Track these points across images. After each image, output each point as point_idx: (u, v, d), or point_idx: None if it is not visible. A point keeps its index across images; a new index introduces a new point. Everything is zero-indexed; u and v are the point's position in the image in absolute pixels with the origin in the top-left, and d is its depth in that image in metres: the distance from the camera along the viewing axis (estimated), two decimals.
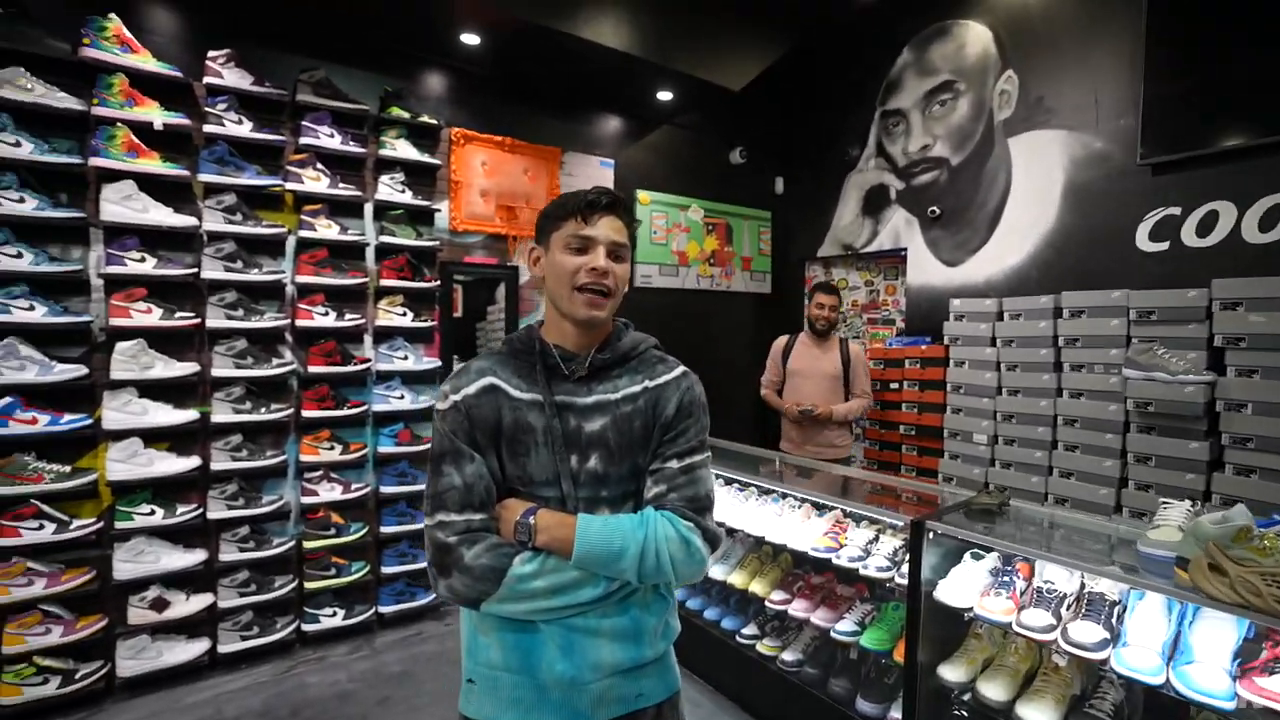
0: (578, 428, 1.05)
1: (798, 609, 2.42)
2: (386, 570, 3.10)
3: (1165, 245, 2.99)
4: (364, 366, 2.99)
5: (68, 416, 2.41)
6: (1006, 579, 1.89)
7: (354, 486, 2.98)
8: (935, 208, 3.94)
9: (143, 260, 2.53)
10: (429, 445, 3.06)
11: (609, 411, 1.06)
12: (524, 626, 1.02)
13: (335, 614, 2.93)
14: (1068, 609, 1.76)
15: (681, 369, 1.14)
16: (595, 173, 4.00)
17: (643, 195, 4.25)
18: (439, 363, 3.21)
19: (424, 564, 3.15)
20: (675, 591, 1.14)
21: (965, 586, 1.88)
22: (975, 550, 1.97)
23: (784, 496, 2.66)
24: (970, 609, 1.82)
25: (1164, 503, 1.82)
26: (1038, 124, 3.46)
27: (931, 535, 1.92)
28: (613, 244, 1.07)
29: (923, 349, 3.73)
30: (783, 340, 3.48)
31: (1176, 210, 2.95)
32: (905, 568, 2.03)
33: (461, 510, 1.00)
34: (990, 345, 3.40)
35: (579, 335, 1.10)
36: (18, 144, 2.30)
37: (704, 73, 3.60)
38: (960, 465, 3.46)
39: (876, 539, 2.32)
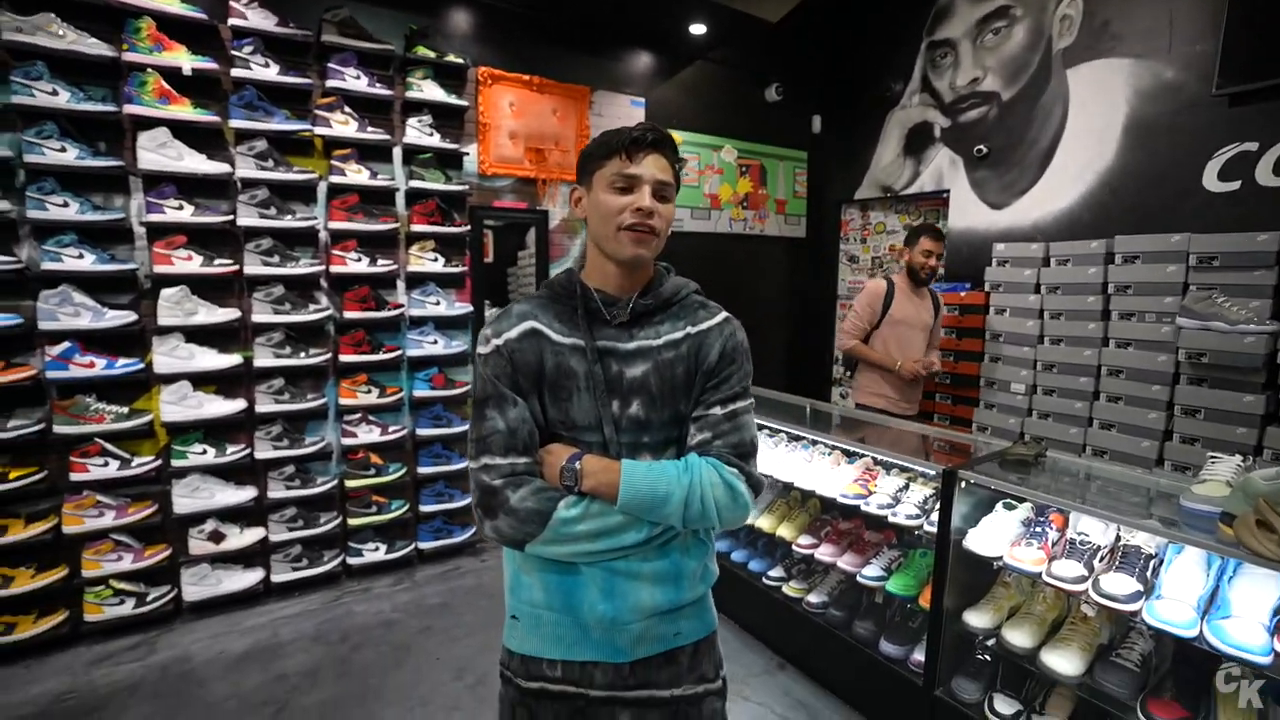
0: (619, 373, 1.03)
1: (825, 553, 2.44)
2: (424, 508, 3.16)
3: (1236, 185, 2.80)
4: (398, 312, 3.00)
5: (122, 360, 2.49)
6: (1039, 530, 1.87)
7: (391, 429, 3.02)
8: (982, 146, 3.77)
9: (181, 208, 2.55)
10: (465, 389, 3.20)
11: (651, 357, 1.04)
12: (566, 568, 1.02)
13: (378, 549, 3.02)
14: (1100, 561, 1.74)
15: (724, 314, 1.12)
16: (625, 112, 3.89)
17: (674, 136, 3.98)
18: (471, 308, 3.21)
19: (461, 503, 3.21)
20: (714, 536, 1.14)
21: (995, 536, 1.87)
22: (1008, 500, 1.96)
23: (813, 443, 2.66)
24: (1000, 558, 1.82)
25: (1212, 457, 1.76)
26: (1102, 52, 3.24)
27: (964, 484, 1.91)
28: (658, 183, 1.03)
29: (962, 295, 3.62)
30: (880, 286, 3.05)
31: (1253, 146, 2.75)
32: (935, 516, 2.03)
33: (506, 454, 1.00)
34: (1034, 292, 3.30)
35: (621, 279, 1.08)
36: (54, 92, 2.30)
37: (739, 3, 3.44)
38: (996, 415, 3.42)
39: (906, 487, 2.32)
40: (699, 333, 1.07)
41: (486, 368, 1.04)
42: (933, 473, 2.18)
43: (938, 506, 2.00)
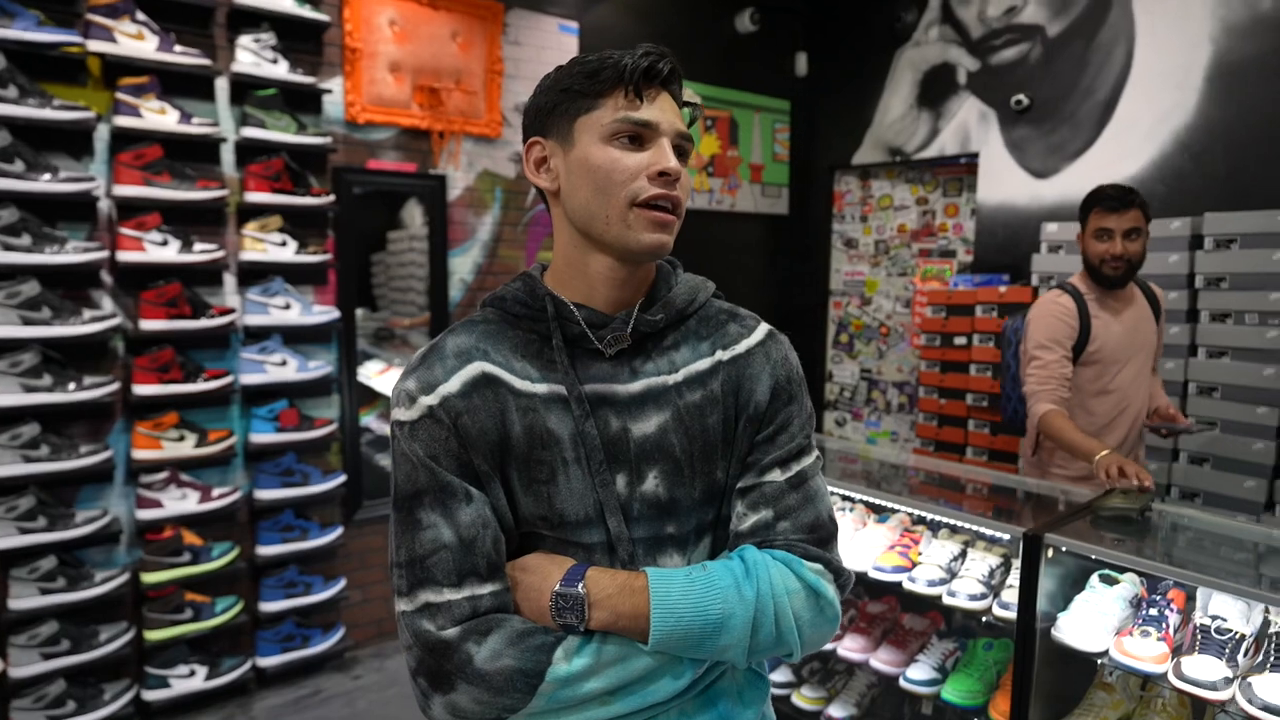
0: (623, 431, 0.95)
1: (850, 648, 2.36)
2: (267, 607, 3.01)
3: None
4: (225, 320, 2.82)
5: None
6: (1154, 612, 1.78)
7: (216, 492, 2.83)
8: (1022, 96, 3.75)
9: None
10: (326, 429, 2.89)
11: (668, 402, 0.97)
12: None
13: (193, 673, 2.80)
14: (1244, 655, 1.66)
15: (765, 328, 1.05)
16: (551, 39, 3.76)
17: None
18: (337, 313, 3.09)
19: (320, 595, 3.08)
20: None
21: (1094, 622, 1.79)
22: (1105, 572, 1.88)
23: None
24: (1104, 653, 1.73)
25: None
26: None
27: (1051, 553, 1.85)
28: (679, 134, 0.95)
29: (1000, 291, 3.59)
30: (1066, 305, 2.39)
31: None
32: (1007, 595, 1.98)
33: (460, 582, 0.89)
34: None
35: (616, 285, 0.97)
36: None
37: None
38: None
39: (963, 555, 2.23)
40: (736, 358, 1.00)
41: (415, 444, 0.92)
42: (1005, 536, 2.13)
43: (1011, 582, 1.97)
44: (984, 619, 2.04)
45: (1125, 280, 2.35)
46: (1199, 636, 1.66)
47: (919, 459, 2.91)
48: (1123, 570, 1.84)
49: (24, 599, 2.46)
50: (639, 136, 0.93)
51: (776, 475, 0.97)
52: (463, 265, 3.51)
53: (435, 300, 3.45)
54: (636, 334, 0.98)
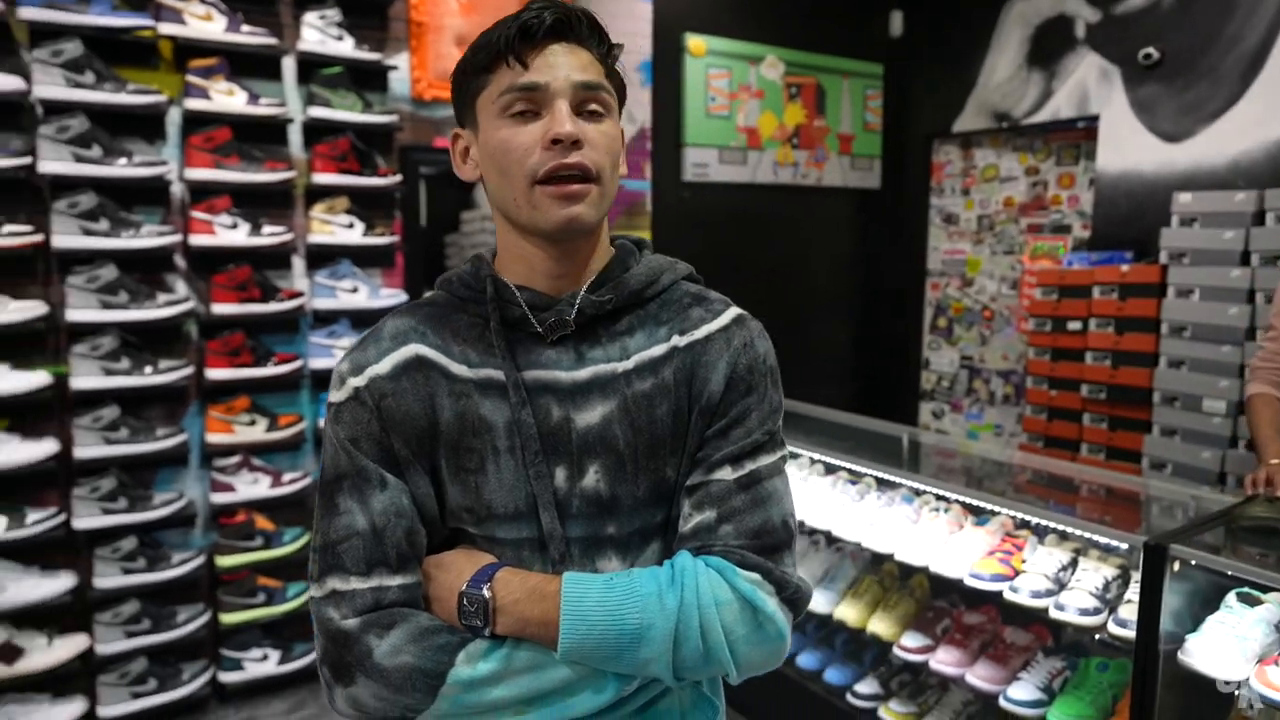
0: (564, 421, 0.93)
1: (943, 661, 2.29)
2: None
3: None
4: (294, 304, 2.87)
5: None
6: None
7: (287, 477, 2.89)
8: (1152, 50, 3.52)
9: None
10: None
11: (615, 391, 0.94)
12: None
13: (266, 657, 2.87)
14: None
15: (733, 312, 1.00)
16: (624, 8, 3.70)
17: (694, 43, 4.00)
18: (404, 296, 3.12)
19: None
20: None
21: (1230, 646, 1.67)
22: (1244, 590, 1.76)
23: (918, 494, 2.56)
24: (1243, 682, 1.62)
25: None
26: None
27: (1177, 566, 1.74)
28: (579, 86, 0.89)
29: (1123, 270, 3.40)
30: None
31: None
32: (1125, 611, 1.90)
33: (369, 572, 0.89)
34: (1240, 265, 3.07)
35: (554, 266, 0.96)
36: None
37: None
38: (1178, 445, 3.22)
39: (1074, 564, 2.16)
40: (693, 344, 0.97)
41: (339, 426, 0.93)
42: (1123, 546, 2.03)
43: (1130, 597, 1.90)
44: (1097, 636, 1.97)
45: None
46: None
47: (1025, 456, 2.78)
48: (1267, 590, 1.70)
49: (108, 578, 2.58)
50: (531, 105, 0.89)
51: (726, 474, 0.93)
52: None
53: None
54: (583, 317, 0.95)
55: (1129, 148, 3.63)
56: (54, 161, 2.43)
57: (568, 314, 0.95)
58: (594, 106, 0.91)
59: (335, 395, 0.95)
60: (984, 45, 4.19)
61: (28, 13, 2.37)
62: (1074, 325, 3.55)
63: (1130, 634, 1.82)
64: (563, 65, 0.89)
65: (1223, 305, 3.09)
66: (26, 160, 2.39)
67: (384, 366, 0.94)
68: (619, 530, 0.95)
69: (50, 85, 2.42)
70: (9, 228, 2.37)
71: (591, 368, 0.95)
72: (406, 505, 0.92)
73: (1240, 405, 3.01)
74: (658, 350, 0.96)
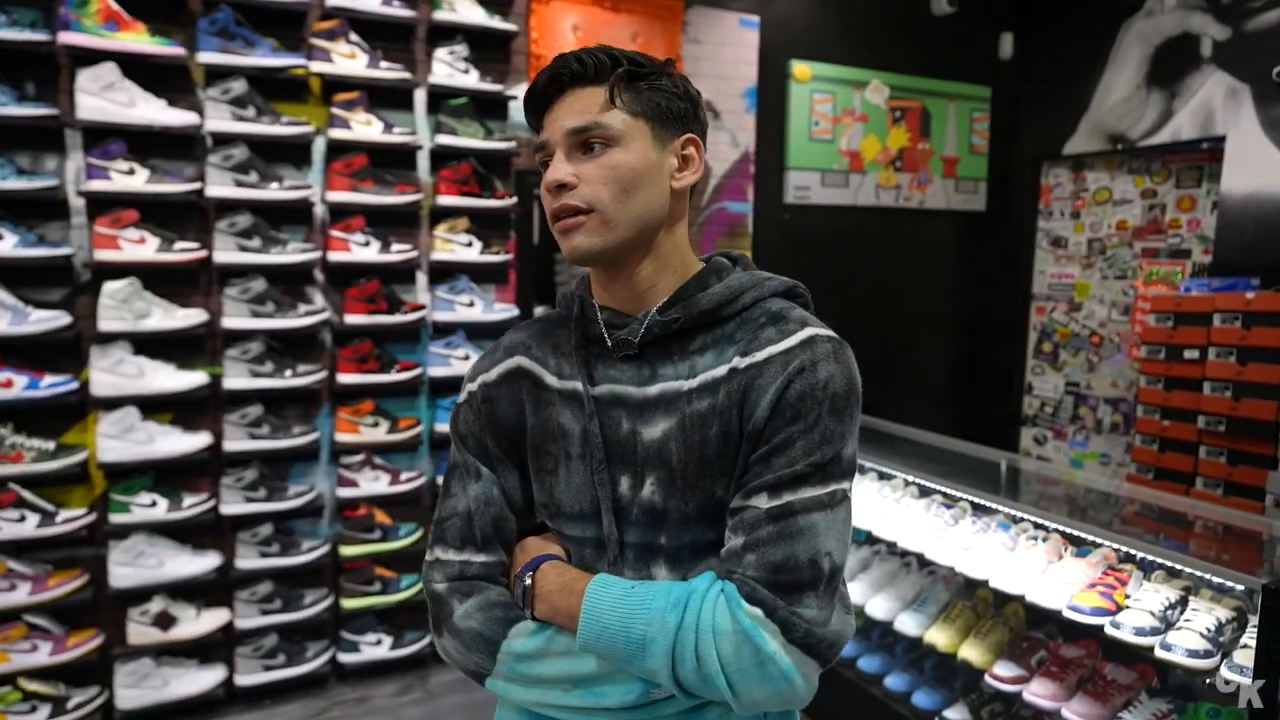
0: (632, 433, 0.96)
1: (1038, 693, 2.22)
2: None
3: None
4: (417, 316, 2.98)
5: (49, 379, 2.45)
6: None
7: (404, 476, 2.98)
8: None
9: (131, 172, 2.52)
10: None
11: (677, 408, 0.94)
12: None
13: (380, 642, 2.97)
14: None
15: (805, 334, 0.94)
16: (732, 36, 3.73)
17: (799, 69, 3.98)
18: (516, 311, 3.20)
19: None
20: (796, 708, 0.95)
21: None
22: None
23: (1015, 521, 2.49)
24: None
25: None
26: None
27: None
28: (569, 132, 0.93)
29: (1247, 298, 3.23)
30: None
31: None
32: (1240, 656, 1.80)
33: (461, 547, 1.01)
34: None
35: (614, 286, 1.00)
36: None
37: None
38: None
39: (1183, 603, 2.05)
40: (751, 366, 0.93)
41: (456, 423, 1.06)
42: (1238, 587, 1.94)
43: (1246, 641, 1.82)
44: (1209, 681, 1.85)
45: None
46: None
47: (1133, 488, 2.63)
48: None
49: (247, 560, 2.75)
50: (548, 156, 0.96)
51: (760, 501, 0.89)
52: None
53: None
54: (651, 335, 0.97)
55: (1258, 169, 3.42)
56: (218, 186, 2.62)
57: (635, 332, 0.97)
58: (591, 142, 0.93)
59: (459, 397, 1.07)
60: (1100, 66, 4.04)
61: (205, 56, 2.58)
62: (1190, 354, 3.36)
63: (1246, 680, 1.71)
64: (561, 117, 0.94)
65: None
66: (197, 185, 2.59)
67: (493, 375, 1.04)
68: (669, 541, 0.96)
69: (219, 119, 2.62)
70: (180, 244, 2.59)
71: (660, 384, 0.96)
72: (495, 495, 1.02)
73: None
74: (720, 371, 0.94)
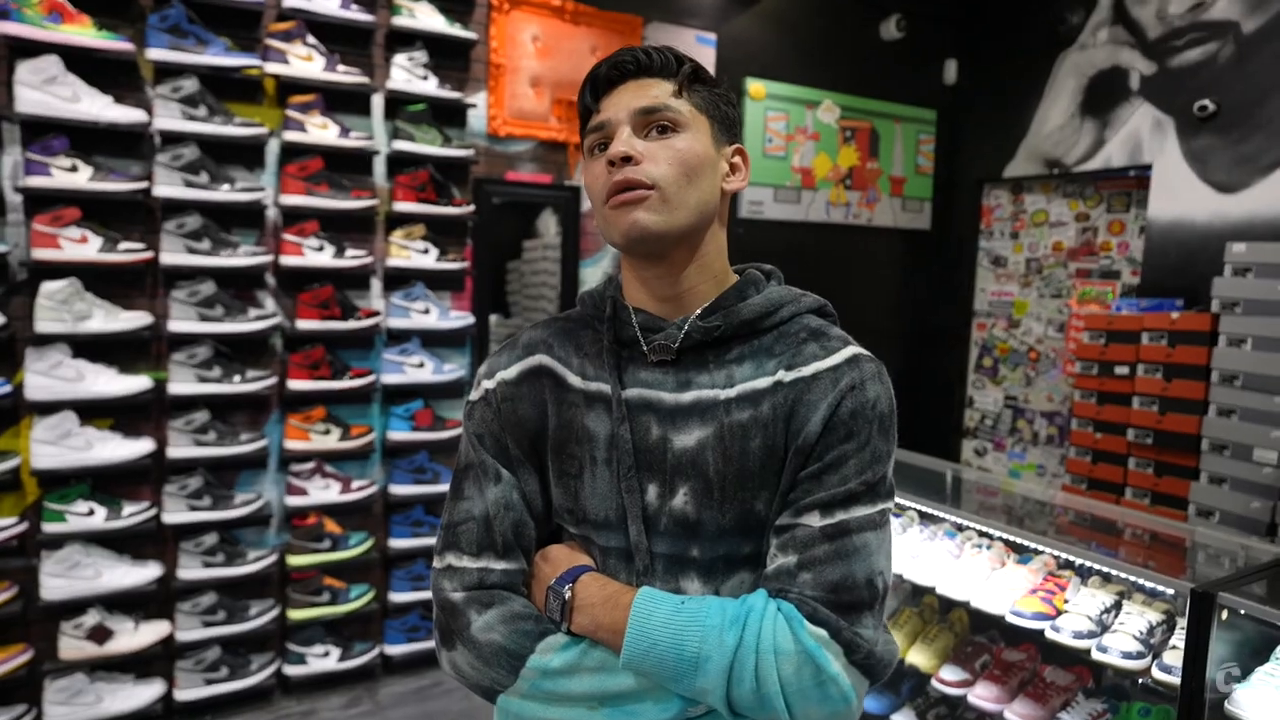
0: (662, 441, 0.92)
1: (982, 696, 2.24)
2: (396, 598, 3.10)
3: None
4: (371, 322, 2.95)
5: None
6: None
7: (355, 484, 2.96)
8: (1208, 101, 3.46)
9: (74, 169, 2.44)
10: (458, 430, 2.95)
11: (714, 418, 0.92)
12: None
13: (328, 653, 2.92)
14: None
15: (849, 352, 0.94)
16: (689, 52, 3.60)
17: (754, 87, 4.05)
18: (471, 319, 3.19)
19: None
20: None
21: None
22: None
23: (960, 529, 2.49)
24: None
25: None
26: None
27: (1226, 614, 1.68)
28: (638, 111, 0.92)
29: (1172, 317, 3.32)
30: None
31: None
32: (1169, 657, 1.84)
33: (479, 553, 0.94)
34: None
35: (655, 285, 0.97)
36: None
37: None
38: (1226, 494, 3.10)
39: (1117, 607, 2.08)
40: (798, 381, 0.92)
41: (470, 422, 1.00)
42: (1169, 591, 1.99)
43: (1175, 643, 1.84)
44: (1140, 681, 1.91)
45: None
46: None
47: (1068, 497, 2.69)
48: None
49: (190, 570, 2.67)
50: (604, 139, 0.94)
51: (814, 519, 0.87)
52: (594, 275, 3.56)
53: (566, 308, 3.52)
54: (690, 341, 0.94)
55: (1181, 197, 3.56)
56: (167, 186, 2.56)
57: (674, 337, 0.95)
58: (661, 124, 0.92)
59: (472, 395, 1.01)
60: (1037, 94, 4.16)
61: (155, 53, 2.51)
62: (1121, 370, 3.47)
63: (1174, 680, 1.75)
64: (627, 99, 0.93)
65: (1275, 356, 2.98)
66: (144, 184, 2.53)
67: (511, 373, 0.99)
68: (702, 554, 0.93)
69: (168, 118, 2.56)
70: (125, 245, 2.51)
71: (695, 392, 0.94)
72: (516, 499, 0.96)
73: None
74: (762, 382, 0.93)
